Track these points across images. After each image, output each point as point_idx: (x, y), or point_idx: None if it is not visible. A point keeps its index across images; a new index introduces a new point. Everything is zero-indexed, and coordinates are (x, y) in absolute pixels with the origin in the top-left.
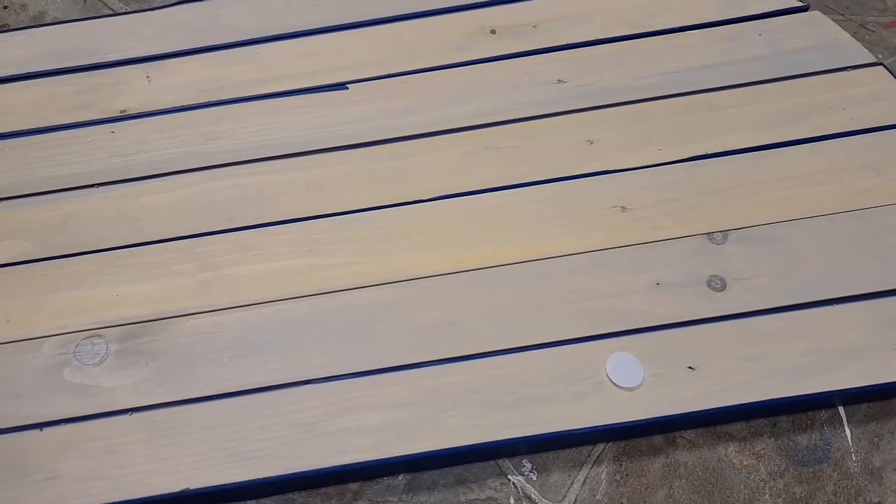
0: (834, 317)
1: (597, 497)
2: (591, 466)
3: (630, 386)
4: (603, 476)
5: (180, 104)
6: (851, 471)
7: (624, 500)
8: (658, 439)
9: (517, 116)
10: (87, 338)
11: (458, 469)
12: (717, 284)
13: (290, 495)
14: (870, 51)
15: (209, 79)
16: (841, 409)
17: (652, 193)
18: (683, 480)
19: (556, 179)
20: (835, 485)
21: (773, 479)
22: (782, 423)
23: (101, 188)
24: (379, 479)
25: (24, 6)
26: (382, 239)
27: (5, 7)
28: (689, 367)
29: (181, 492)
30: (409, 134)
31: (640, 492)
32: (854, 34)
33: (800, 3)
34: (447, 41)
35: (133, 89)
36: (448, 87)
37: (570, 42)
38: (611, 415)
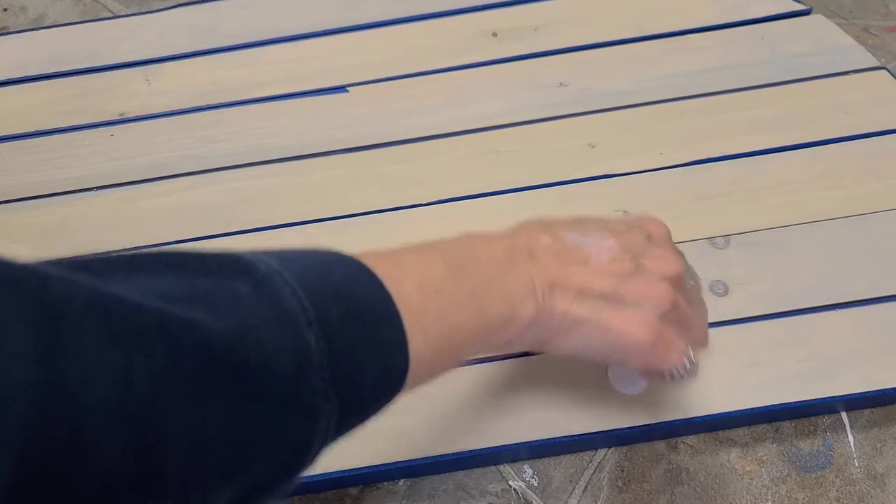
0: (837, 322)
1: (598, 503)
2: (593, 472)
3: (632, 391)
4: (604, 482)
5: (179, 107)
6: (854, 476)
7: None
8: (660, 445)
9: (518, 120)
10: None
11: (459, 475)
12: (720, 289)
13: (290, 500)
14: (873, 55)
15: (208, 82)
16: (844, 415)
17: (653, 198)
18: (685, 486)
19: (558, 183)
20: (837, 490)
21: (776, 485)
22: (785, 428)
23: (98, 191)
24: (379, 485)
25: (23, 9)
26: (382, 243)
27: (5, 10)
28: None
29: None
30: (408, 137)
31: (642, 497)
32: (857, 38)
33: (802, 7)
34: (447, 44)
35: (132, 93)
36: (448, 90)
37: (571, 45)
38: (612, 420)
